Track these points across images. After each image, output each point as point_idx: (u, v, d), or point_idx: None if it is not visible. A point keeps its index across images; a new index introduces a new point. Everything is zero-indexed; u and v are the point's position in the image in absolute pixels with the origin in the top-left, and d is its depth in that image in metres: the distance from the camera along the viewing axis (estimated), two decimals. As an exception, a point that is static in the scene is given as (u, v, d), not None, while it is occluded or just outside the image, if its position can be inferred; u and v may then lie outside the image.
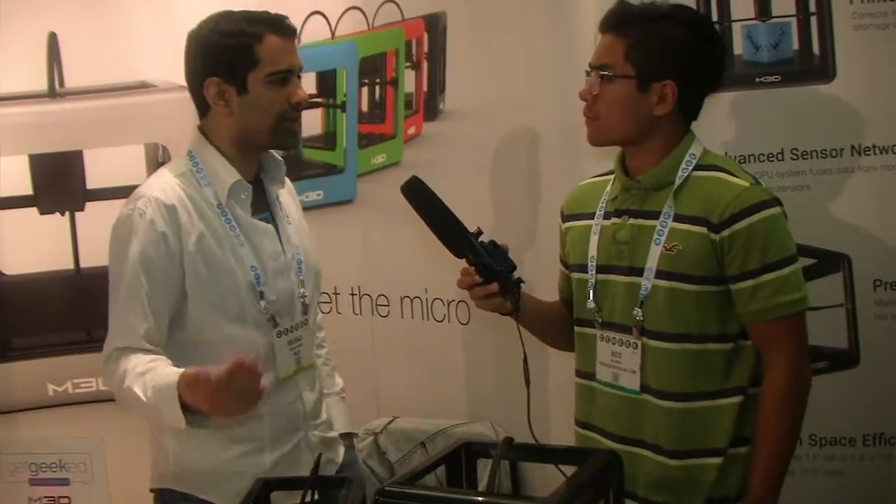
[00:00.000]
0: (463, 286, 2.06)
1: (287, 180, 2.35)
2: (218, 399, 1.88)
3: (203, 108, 2.19)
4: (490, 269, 2.01)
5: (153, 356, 2.05)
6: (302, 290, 2.23)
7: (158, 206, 2.08)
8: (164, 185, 2.13)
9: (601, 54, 2.04)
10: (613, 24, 2.03)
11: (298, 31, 2.28)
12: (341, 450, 2.40)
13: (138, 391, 2.00)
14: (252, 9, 2.19)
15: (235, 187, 2.16)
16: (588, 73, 2.05)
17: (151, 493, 2.25)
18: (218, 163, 2.16)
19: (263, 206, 2.24)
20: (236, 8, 2.21)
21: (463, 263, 2.05)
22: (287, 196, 2.33)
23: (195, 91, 2.18)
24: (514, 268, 2.04)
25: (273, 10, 2.20)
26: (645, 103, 2.00)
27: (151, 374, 2.01)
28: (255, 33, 2.11)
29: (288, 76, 2.15)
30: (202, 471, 2.17)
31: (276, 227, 2.23)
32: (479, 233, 2.02)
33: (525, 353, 2.06)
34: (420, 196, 2.02)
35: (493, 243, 2.03)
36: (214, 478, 2.16)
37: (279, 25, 2.15)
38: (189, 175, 2.16)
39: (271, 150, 2.26)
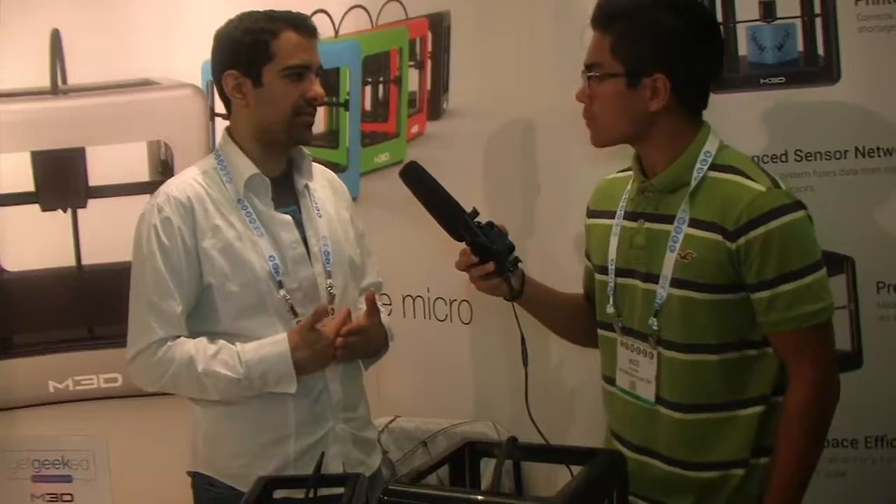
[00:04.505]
0: (460, 267, 2.04)
1: (333, 176, 2.43)
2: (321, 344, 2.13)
3: (228, 104, 2.26)
4: (484, 247, 2.01)
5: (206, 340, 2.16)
6: (329, 281, 2.25)
7: (175, 203, 2.18)
8: (183, 183, 2.23)
9: (590, 53, 1.95)
10: (600, 19, 1.93)
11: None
12: (377, 456, 2.39)
13: (223, 370, 2.12)
14: (257, 7, 2.24)
15: (252, 181, 2.21)
16: (583, 74, 1.99)
17: (188, 476, 2.32)
18: (238, 159, 2.23)
19: (292, 199, 2.28)
20: (240, 5, 2.26)
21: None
22: (326, 190, 2.36)
23: (218, 86, 2.25)
24: (511, 248, 2.03)
25: (278, 8, 2.23)
26: (637, 100, 1.90)
27: (227, 352, 2.14)
28: (272, 29, 2.18)
29: (303, 72, 2.19)
30: (228, 456, 2.23)
31: (302, 218, 2.26)
32: (475, 213, 2.03)
33: (522, 334, 2.05)
34: (417, 179, 2.05)
35: (490, 224, 2.03)
36: (239, 463, 2.21)
37: (297, 22, 2.20)
38: (212, 172, 2.24)
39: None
